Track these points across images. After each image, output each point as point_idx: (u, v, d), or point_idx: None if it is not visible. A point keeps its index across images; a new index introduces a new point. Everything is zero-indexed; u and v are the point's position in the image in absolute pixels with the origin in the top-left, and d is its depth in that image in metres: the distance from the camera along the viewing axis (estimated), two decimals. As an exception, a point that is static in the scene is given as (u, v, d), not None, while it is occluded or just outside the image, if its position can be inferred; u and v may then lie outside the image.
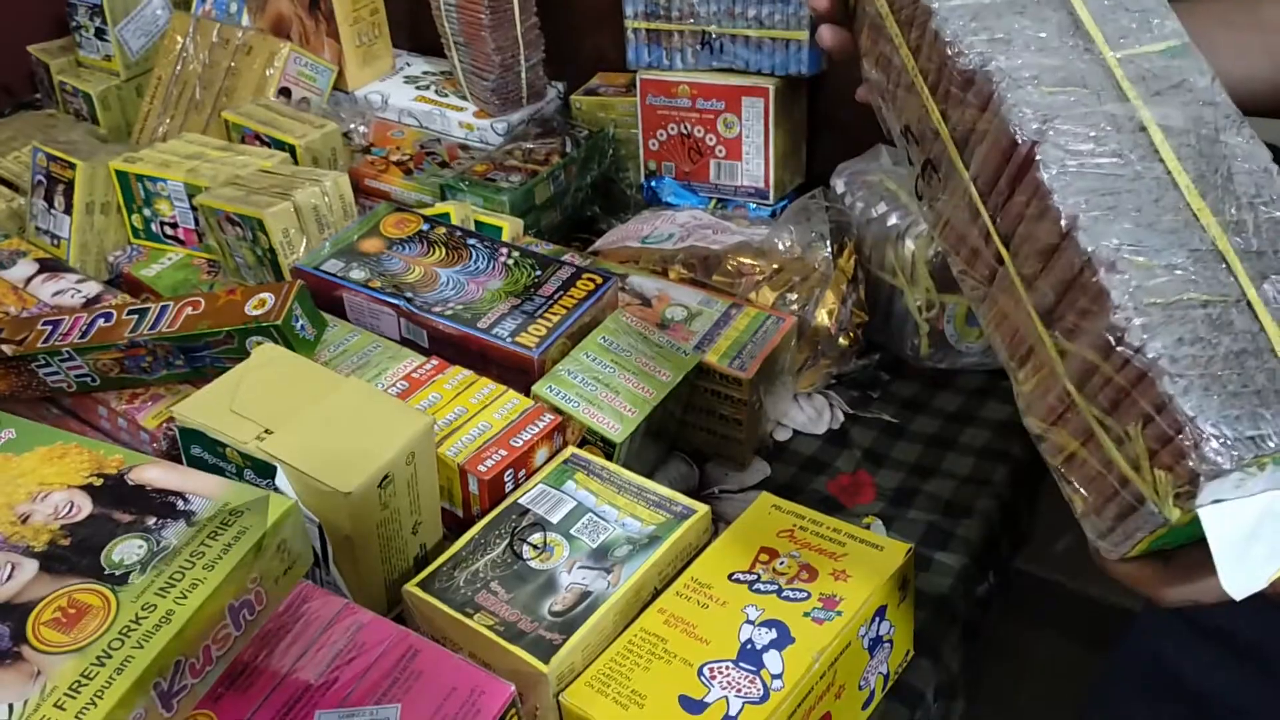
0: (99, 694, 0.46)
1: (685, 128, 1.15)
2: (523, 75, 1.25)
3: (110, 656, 0.48)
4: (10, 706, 0.46)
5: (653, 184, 1.20)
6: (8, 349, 0.88)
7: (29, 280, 1.05)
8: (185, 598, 0.51)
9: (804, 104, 1.18)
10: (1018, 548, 0.99)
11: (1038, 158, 0.49)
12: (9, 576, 0.51)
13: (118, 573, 0.51)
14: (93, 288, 1.04)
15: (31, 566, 0.52)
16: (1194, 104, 0.51)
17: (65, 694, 0.46)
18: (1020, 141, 0.50)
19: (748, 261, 1.03)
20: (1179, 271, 0.46)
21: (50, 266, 1.07)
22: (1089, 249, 0.46)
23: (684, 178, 1.19)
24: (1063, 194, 0.48)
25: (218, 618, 0.52)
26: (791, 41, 1.07)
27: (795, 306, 1.00)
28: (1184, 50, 0.53)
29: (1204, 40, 0.55)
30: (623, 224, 1.15)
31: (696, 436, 0.96)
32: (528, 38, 1.24)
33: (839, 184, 1.11)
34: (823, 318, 1.00)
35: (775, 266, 1.02)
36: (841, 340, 1.02)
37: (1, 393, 0.90)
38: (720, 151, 1.15)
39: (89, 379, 0.88)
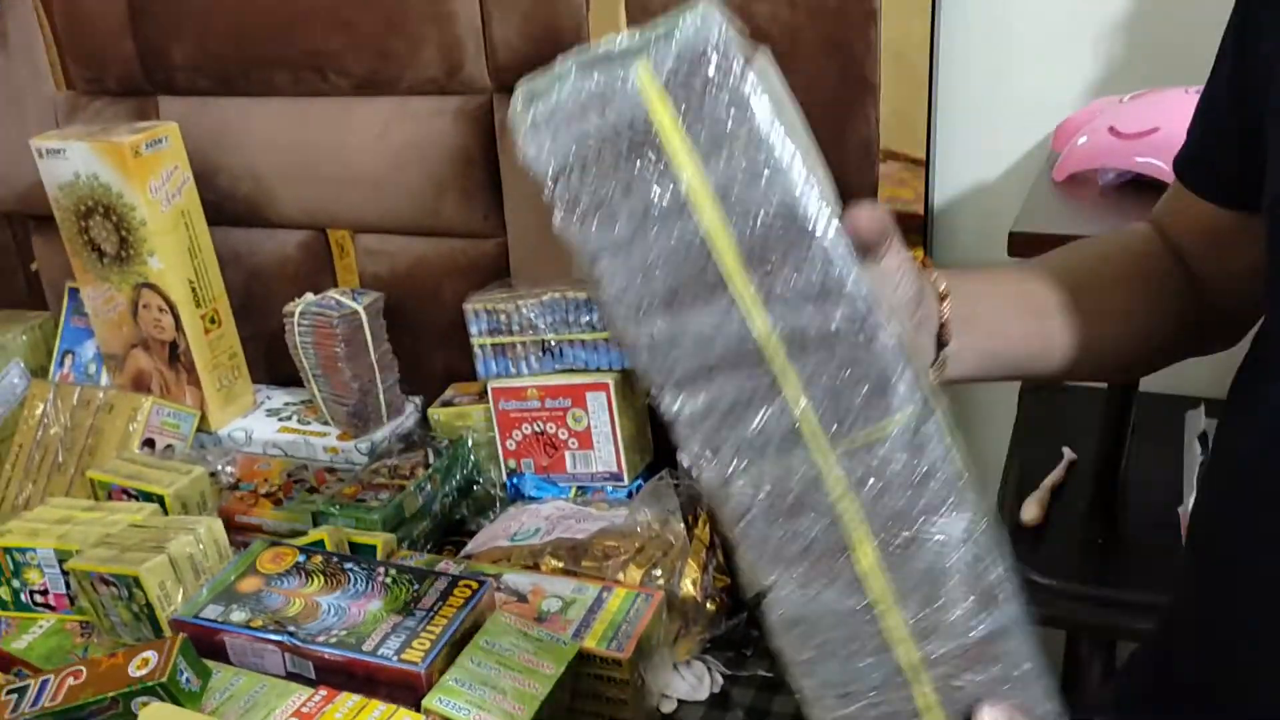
0: None
1: (538, 426, 1.25)
2: (380, 396, 1.34)
3: None
4: None
5: (515, 481, 1.28)
6: (-125, 753, 0.85)
7: (-110, 673, 1.03)
8: None
9: (643, 394, 1.30)
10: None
11: None
12: None
13: None
14: (-40, 671, 1.02)
15: None
16: None
17: None
18: None
19: (612, 544, 1.10)
20: None
21: (-87, 655, 1.05)
22: None
23: (543, 471, 1.27)
24: None
25: None
26: (622, 340, 1.20)
27: (661, 581, 1.07)
28: None
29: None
30: (491, 524, 1.22)
31: (587, 722, 0.99)
32: (382, 362, 1.33)
33: (684, 458, 1.21)
34: (688, 587, 1.07)
35: (638, 546, 1.10)
36: (709, 605, 1.08)
37: None
38: (573, 444, 1.25)
39: (-36, 770, 0.86)
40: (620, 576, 1.07)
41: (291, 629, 0.94)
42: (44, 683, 0.87)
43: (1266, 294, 0.57)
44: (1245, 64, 0.62)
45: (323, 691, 0.89)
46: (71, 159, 1.29)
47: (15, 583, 1.11)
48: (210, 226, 1.37)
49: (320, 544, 1.08)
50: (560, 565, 1.10)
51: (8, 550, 1.10)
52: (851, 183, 1.13)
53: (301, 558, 1.03)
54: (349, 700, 0.88)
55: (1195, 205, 0.68)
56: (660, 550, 1.09)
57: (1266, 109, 0.58)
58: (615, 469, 1.24)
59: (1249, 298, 0.61)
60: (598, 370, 1.23)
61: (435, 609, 0.95)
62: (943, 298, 0.59)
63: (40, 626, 1.10)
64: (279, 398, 1.46)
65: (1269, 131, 0.58)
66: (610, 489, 1.25)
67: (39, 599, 1.11)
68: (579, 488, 1.27)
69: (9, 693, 0.87)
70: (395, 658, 0.90)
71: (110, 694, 0.84)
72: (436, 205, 1.35)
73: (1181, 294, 0.69)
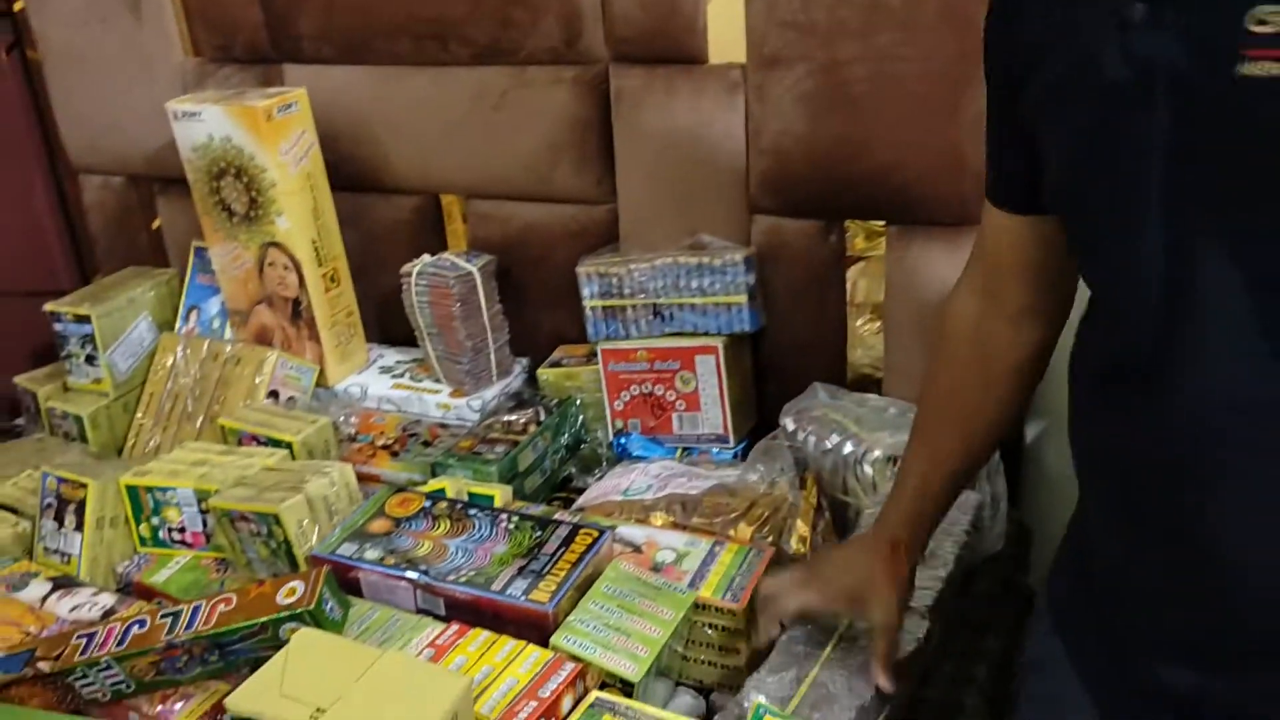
0: None
1: (646, 387, 1.28)
2: (492, 356, 1.38)
3: None
4: None
5: (622, 440, 1.31)
6: (45, 666, 0.92)
7: (44, 599, 1.10)
8: None
9: (749, 355, 1.33)
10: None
11: None
12: None
13: None
14: (108, 599, 1.09)
15: None
16: None
17: None
18: None
19: (723, 501, 1.13)
20: None
21: (63, 584, 1.12)
22: None
23: (649, 432, 1.31)
24: None
25: None
26: (732, 305, 1.23)
27: (770, 538, 1.09)
28: None
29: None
30: (600, 480, 1.25)
31: (697, 669, 1.02)
32: (494, 322, 1.38)
33: (788, 422, 1.24)
34: (797, 545, 1.10)
35: (749, 503, 1.13)
36: (817, 563, 1.11)
37: (34, 710, 0.93)
38: (680, 405, 1.28)
39: (124, 685, 0.92)
40: (731, 533, 1.10)
41: (424, 568, 0.98)
42: (196, 608, 0.92)
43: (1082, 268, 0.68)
44: (1009, 60, 0.68)
45: (455, 626, 0.94)
46: (206, 122, 1.35)
47: (155, 520, 1.18)
48: (331, 190, 1.42)
49: (442, 492, 1.13)
50: (672, 520, 1.13)
51: (149, 489, 1.16)
52: (966, 154, 1.14)
53: (428, 503, 1.07)
54: (480, 635, 0.92)
55: (1006, 227, 0.77)
56: (770, 509, 1.12)
57: (1033, 98, 0.66)
58: (721, 431, 1.27)
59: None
60: (706, 334, 1.26)
61: (558, 554, 0.99)
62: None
63: (177, 562, 1.16)
64: (391, 356, 1.51)
65: (1039, 120, 0.66)
66: (716, 450, 1.28)
67: (177, 536, 1.18)
68: (684, 449, 1.30)
69: (162, 617, 0.93)
70: (523, 597, 0.94)
71: (260, 619, 0.89)
72: (550, 172, 1.39)
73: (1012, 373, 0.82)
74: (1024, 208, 0.75)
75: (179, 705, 0.93)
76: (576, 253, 1.36)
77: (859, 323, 1.48)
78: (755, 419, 1.35)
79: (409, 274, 1.36)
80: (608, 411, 1.32)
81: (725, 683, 1.02)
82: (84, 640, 0.93)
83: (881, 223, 1.36)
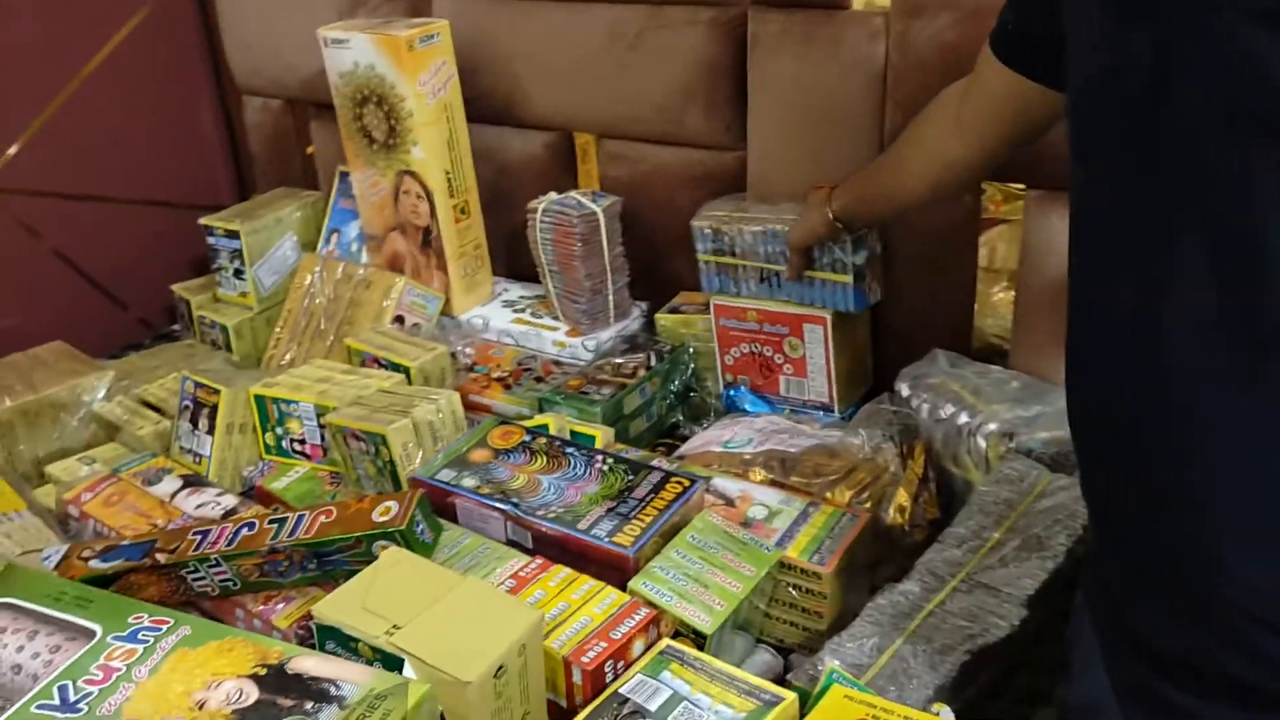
0: None
1: (755, 347, 1.27)
2: (610, 298, 1.39)
3: (279, 825, 0.55)
4: None
5: (731, 393, 1.30)
6: (162, 557, 0.98)
7: (174, 495, 1.18)
8: (340, 772, 0.58)
9: (866, 326, 1.29)
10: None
11: None
12: (192, 755, 0.59)
13: (283, 751, 0.59)
14: (230, 500, 1.16)
15: (210, 747, 0.60)
16: None
17: None
18: None
19: (823, 462, 1.11)
20: None
21: (193, 482, 1.20)
22: None
23: (758, 390, 1.29)
24: None
25: (368, 791, 0.59)
26: (838, 283, 1.19)
27: (868, 505, 1.07)
28: None
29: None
30: (704, 430, 1.25)
31: (779, 628, 1.02)
32: (615, 264, 1.38)
33: (903, 388, 1.20)
34: (895, 515, 1.07)
35: (850, 467, 1.10)
36: (915, 535, 1.08)
37: (150, 598, 1.00)
38: (788, 370, 1.25)
39: (231, 583, 0.98)
40: (828, 495, 1.08)
41: (515, 500, 1.00)
42: (300, 517, 0.97)
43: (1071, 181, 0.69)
44: None
45: (539, 560, 0.96)
46: (353, 49, 1.38)
47: (279, 430, 1.24)
48: (467, 122, 1.45)
49: (545, 428, 1.15)
50: (770, 477, 1.12)
51: (275, 401, 1.22)
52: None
53: (528, 437, 1.09)
54: (561, 571, 0.94)
55: (1000, 76, 0.84)
56: (872, 475, 1.09)
57: None
58: (827, 400, 1.24)
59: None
60: (811, 305, 1.23)
61: (647, 500, 0.99)
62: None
63: (296, 472, 1.22)
64: (515, 291, 1.54)
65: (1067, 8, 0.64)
66: (821, 415, 1.25)
67: (297, 447, 1.24)
68: (792, 409, 1.28)
69: (270, 522, 0.98)
70: (607, 539, 0.95)
71: (355, 534, 0.93)
72: (681, 115, 1.37)
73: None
74: (1023, 68, 0.82)
75: (280, 607, 0.98)
76: (703, 198, 1.34)
77: (992, 290, 1.42)
78: (870, 384, 1.31)
79: (534, 210, 1.37)
80: (718, 364, 1.31)
81: (805, 644, 1.01)
82: (199, 537, 0.99)
83: (1021, 185, 1.29)
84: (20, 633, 0.68)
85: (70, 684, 0.65)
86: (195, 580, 0.99)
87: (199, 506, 1.15)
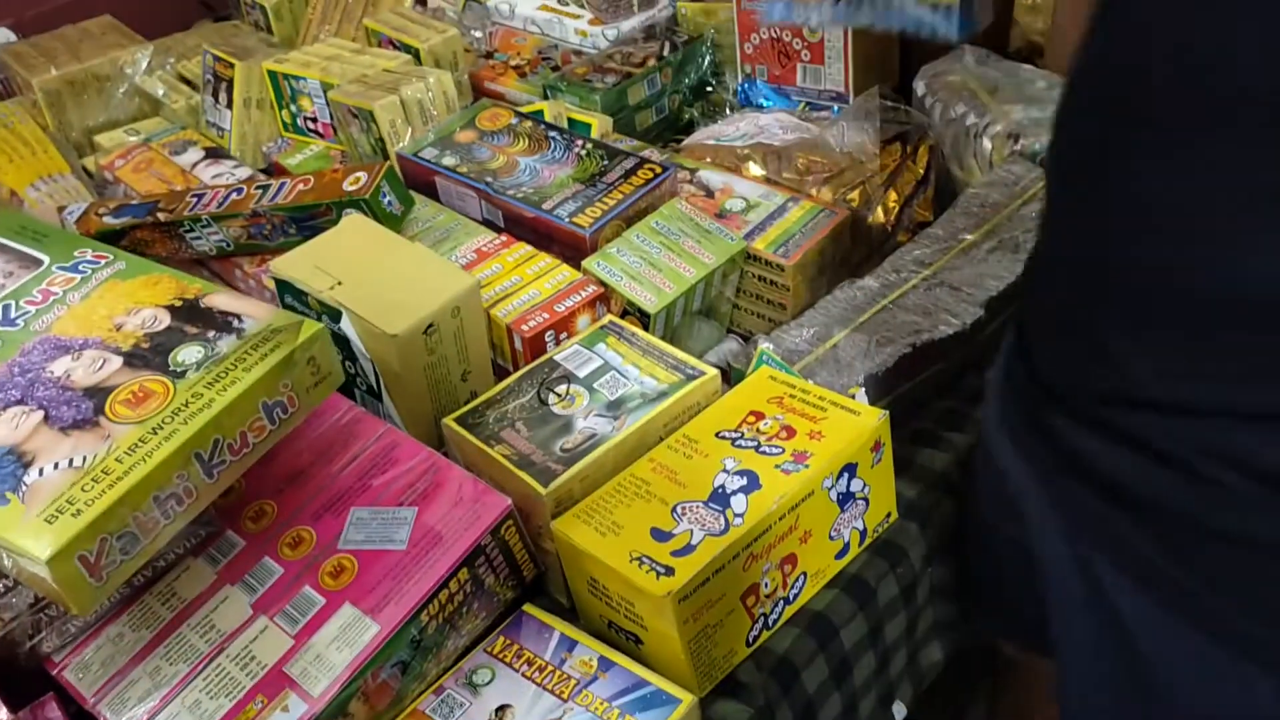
0: (148, 455, 0.60)
1: (775, 31, 1.20)
2: (634, -17, 1.32)
3: (162, 428, 0.61)
4: (85, 457, 0.60)
5: (746, 87, 1.25)
6: (163, 216, 1.04)
7: (195, 165, 1.23)
8: (225, 391, 0.63)
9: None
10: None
11: None
12: (100, 367, 0.65)
13: (178, 370, 0.65)
14: (244, 173, 1.20)
15: (117, 361, 0.66)
16: None
17: (124, 452, 0.60)
18: None
19: (816, 159, 1.07)
20: None
21: (213, 154, 1.24)
22: None
23: (775, 80, 1.23)
24: None
25: (251, 411, 0.65)
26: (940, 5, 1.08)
27: (855, 203, 1.04)
28: None
29: None
30: (711, 126, 1.21)
31: (747, 319, 1.03)
32: (640, -53, 1.30)
33: (919, 86, 1.13)
34: (880, 214, 1.04)
35: (841, 167, 1.06)
36: (900, 238, 1.05)
37: (159, 255, 1.08)
38: (805, 55, 1.19)
39: (225, 244, 1.04)
40: (813, 192, 1.05)
41: (489, 179, 1.01)
42: (281, 185, 1.01)
43: None
44: None
45: (503, 237, 0.98)
46: None
47: (293, 107, 1.26)
48: None
49: (539, 114, 1.13)
50: (761, 174, 1.09)
51: (285, 76, 1.24)
52: None
53: (514, 120, 1.08)
54: (521, 249, 0.96)
55: None
56: (865, 174, 1.05)
57: None
58: (842, 89, 1.18)
59: None
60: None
61: (615, 184, 0.99)
62: None
63: (310, 150, 1.25)
64: (548, -23, 1.48)
65: None
66: (836, 109, 1.20)
67: (310, 125, 1.26)
68: (808, 104, 1.22)
69: (256, 188, 1.02)
70: (568, 219, 0.96)
71: (326, 201, 0.96)
72: None
73: None
74: None
75: (267, 270, 1.04)
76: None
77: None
78: (895, 81, 1.23)
79: (556, -118, 1.29)
80: (738, 54, 1.25)
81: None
82: (194, 200, 1.04)
83: None
84: (-22, 259, 0.75)
85: (13, 303, 0.71)
86: (193, 239, 1.05)
87: (215, 177, 1.20)
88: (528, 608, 0.76)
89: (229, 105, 1.27)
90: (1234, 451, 0.56)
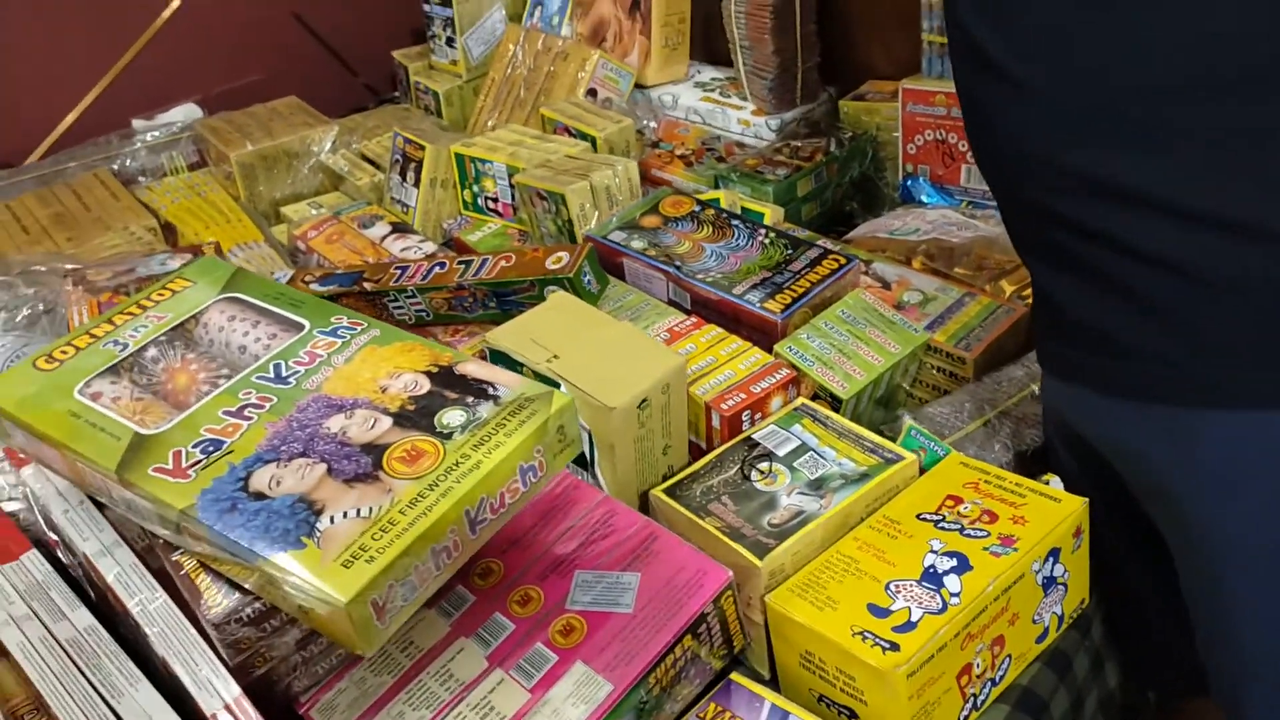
0: (429, 509, 0.65)
1: (940, 134, 1.25)
2: (799, 76, 1.39)
3: (437, 485, 0.66)
4: (371, 508, 0.65)
5: (909, 184, 1.30)
6: (368, 285, 1.12)
7: (384, 238, 1.31)
8: (490, 453, 0.68)
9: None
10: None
11: None
12: (372, 426, 0.71)
13: (445, 431, 0.70)
14: (430, 246, 1.28)
15: (387, 421, 0.71)
16: None
17: (406, 505, 0.65)
18: None
19: (989, 255, 1.11)
20: None
21: (400, 229, 1.32)
22: None
23: (938, 180, 1.28)
24: None
25: (510, 473, 0.69)
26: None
27: (1029, 300, 1.07)
28: None
29: None
30: (877, 219, 1.26)
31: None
32: (806, 42, 1.37)
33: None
34: (1054, 310, 1.06)
35: (1017, 263, 1.10)
36: (1072, 333, 1.07)
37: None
38: (972, 157, 1.23)
39: (424, 314, 1.11)
40: (987, 287, 1.09)
41: (678, 263, 1.07)
42: (484, 260, 1.07)
43: None
44: None
45: (693, 319, 1.03)
46: None
47: (475, 188, 1.34)
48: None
49: (716, 201, 1.19)
50: (932, 266, 1.13)
51: (472, 159, 1.32)
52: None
53: (697, 208, 1.14)
54: (712, 330, 1.01)
55: None
56: (1035, 271, 1.08)
57: None
58: (1011, 187, 1.22)
59: None
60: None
61: (802, 273, 1.03)
62: None
63: (489, 228, 1.33)
64: (708, 73, 1.55)
65: None
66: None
67: (491, 205, 1.34)
68: (970, 202, 1.27)
69: (459, 263, 1.09)
70: (759, 304, 1.00)
71: (529, 278, 1.02)
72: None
73: None
74: None
75: (465, 339, 1.10)
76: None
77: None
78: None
79: (730, -14, 1.37)
80: (900, 152, 1.30)
81: (944, 425, 1.05)
82: (399, 271, 1.11)
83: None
84: (245, 321, 0.81)
85: (283, 363, 0.77)
86: (395, 309, 1.12)
87: (403, 250, 1.28)
88: (735, 676, 0.79)
89: (416, 184, 1.35)
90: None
